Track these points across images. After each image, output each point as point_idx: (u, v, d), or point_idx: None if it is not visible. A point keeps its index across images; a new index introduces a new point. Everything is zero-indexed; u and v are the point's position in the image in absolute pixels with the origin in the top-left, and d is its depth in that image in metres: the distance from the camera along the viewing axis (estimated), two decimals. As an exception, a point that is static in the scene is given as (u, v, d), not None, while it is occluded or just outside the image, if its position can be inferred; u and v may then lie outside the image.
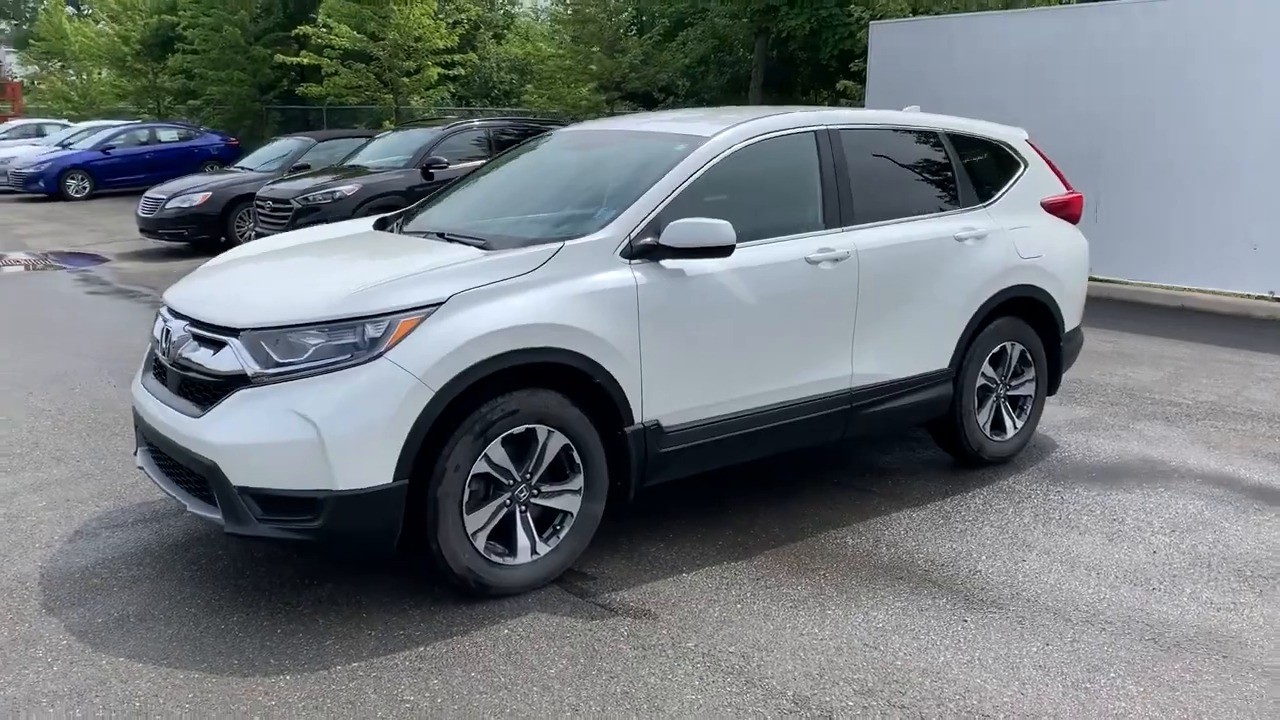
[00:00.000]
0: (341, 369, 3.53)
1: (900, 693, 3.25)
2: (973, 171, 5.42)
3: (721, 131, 4.56)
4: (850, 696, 3.23)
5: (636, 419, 4.07)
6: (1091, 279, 6.18)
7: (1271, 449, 5.77)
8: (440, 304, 3.65)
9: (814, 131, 4.81)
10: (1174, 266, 10.41)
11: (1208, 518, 4.76)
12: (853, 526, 4.62)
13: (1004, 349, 5.41)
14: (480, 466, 3.72)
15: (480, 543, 3.77)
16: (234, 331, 3.68)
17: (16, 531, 4.46)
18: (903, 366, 4.95)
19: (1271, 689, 3.30)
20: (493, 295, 3.75)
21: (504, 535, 3.86)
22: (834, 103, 17.20)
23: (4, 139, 27.37)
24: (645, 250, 4.08)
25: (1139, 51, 10.41)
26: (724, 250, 4.11)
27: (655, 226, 4.12)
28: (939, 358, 5.09)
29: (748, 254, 4.39)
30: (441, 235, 4.46)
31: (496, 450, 3.75)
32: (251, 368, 3.59)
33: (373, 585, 3.93)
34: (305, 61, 22.22)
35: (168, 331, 4.03)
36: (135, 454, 4.29)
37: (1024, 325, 5.49)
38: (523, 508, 3.89)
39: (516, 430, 3.78)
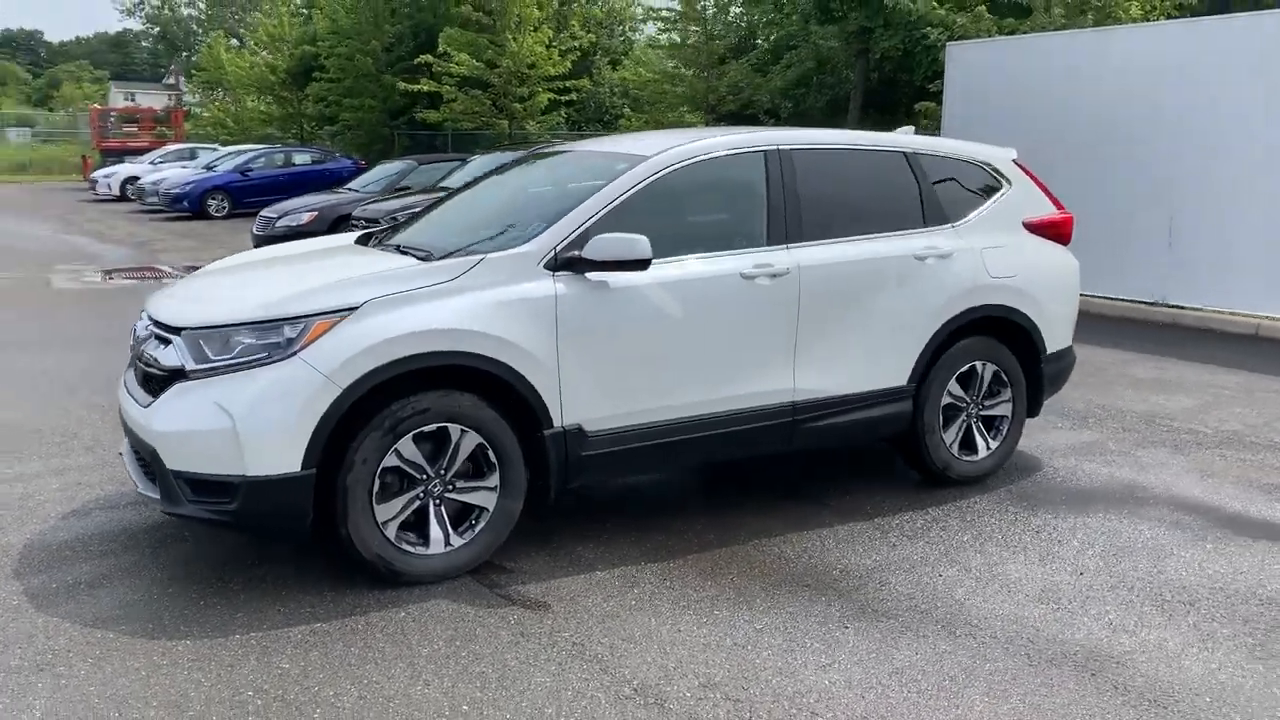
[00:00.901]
0: (260, 366, 3.88)
1: (742, 688, 3.37)
2: (943, 191, 5.44)
3: (662, 152, 4.75)
4: (691, 689, 3.36)
5: (556, 423, 4.29)
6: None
7: (1270, 479, 5.56)
8: (354, 308, 3.97)
9: (764, 151, 4.95)
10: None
11: (1157, 544, 4.65)
12: (787, 536, 4.71)
13: (974, 368, 5.40)
14: (391, 460, 4.00)
15: (391, 532, 4.05)
16: (177, 330, 4.08)
17: (24, 507, 4.98)
18: (852, 382, 5.01)
19: (1123, 708, 3.28)
20: (407, 301, 4.04)
21: (418, 526, 4.13)
22: (915, 124, 17.00)
23: (161, 162, 29.51)
24: (569, 263, 4.31)
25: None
26: (640, 264, 4.30)
27: (582, 240, 4.34)
28: (895, 374, 5.13)
29: (678, 268, 4.58)
30: (398, 248, 4.79)
31: (407, 446, 4.03)
32: (188, 363, 3.98)
33: (308, 568, 4.25)
34: (426, 89, 23.29)
35: (135, 330, 4.48)
36: (122, 445, 4.75)
37: (997, 345, 5.47)
38: (437, 501, 4.15)
39: (428, 428, 4.05)
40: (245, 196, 23.89)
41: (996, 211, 5.56)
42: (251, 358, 3.90)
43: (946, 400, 5.35)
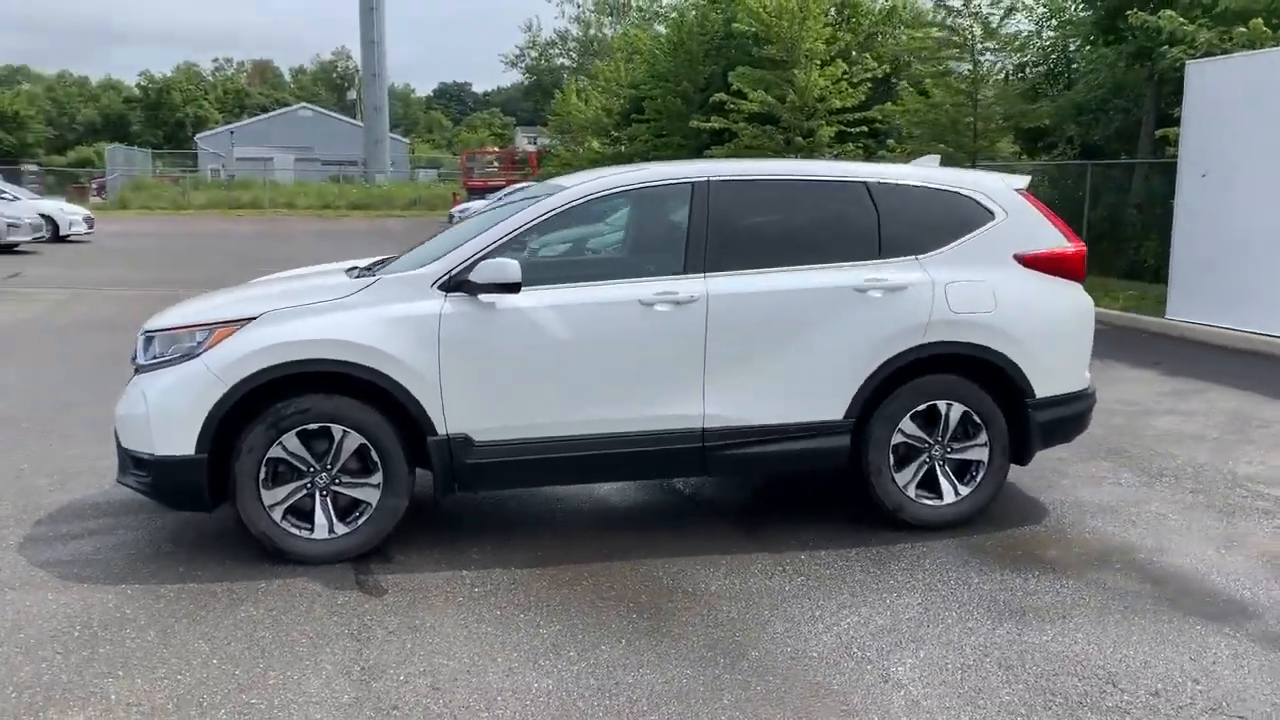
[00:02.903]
0: (175, 364, 4.63)
1: (453, 690, 3.59)
2: (911, 223, 5.22)
3: (582, 184, 5.03)
4: (416, 683, 3.64)
5: (440, 431, 4.69)
6: None
7: (1297, 557, 4.79)
8: (254, 319, 4.62)
9: (692, 184, 5.05)
10: None
11: (1032, 608, 4.25)
12: (674, 560, 4.76)
13: (935, 408, 5.13)
14: (276, 452, 4.59)
15: (277, 514, 4.63)
16: (146, 332, 4.94)
17: (48, 475, 6.02)
18: (774, 413, 4.97)
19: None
20: (298, 315, 4.64)
21: (306, 513, 4.69)
22: (1158, 150, 15.30)
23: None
24: (459, 285, 4.72)
25: None
26: (512, 287, 4.63)
27: (475, 265, 4.73)
28: (827, 408, 5.01)
29: (572, 293, 4.85)
30: (366, 270, 5.39)
31: (291, 440, 4.60)
32: (140, 359, 4.82)
33: (237, 543, 4.93)
34: (717, 125, 24.11)
35: (146, 333, 5.42)
36: None
37: (967, 385, 5.15)
38: (322, 492, 4.69)
39: (311, 426, 4.61)
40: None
41: (979, 244, 5.24)
42: (173, 357, 4.66)
43: (899, 439, 5.12)
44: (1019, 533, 5.15)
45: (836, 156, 22.82)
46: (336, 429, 4.64)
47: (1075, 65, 20.99)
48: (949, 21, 19.42)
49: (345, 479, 4.70)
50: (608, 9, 35.59)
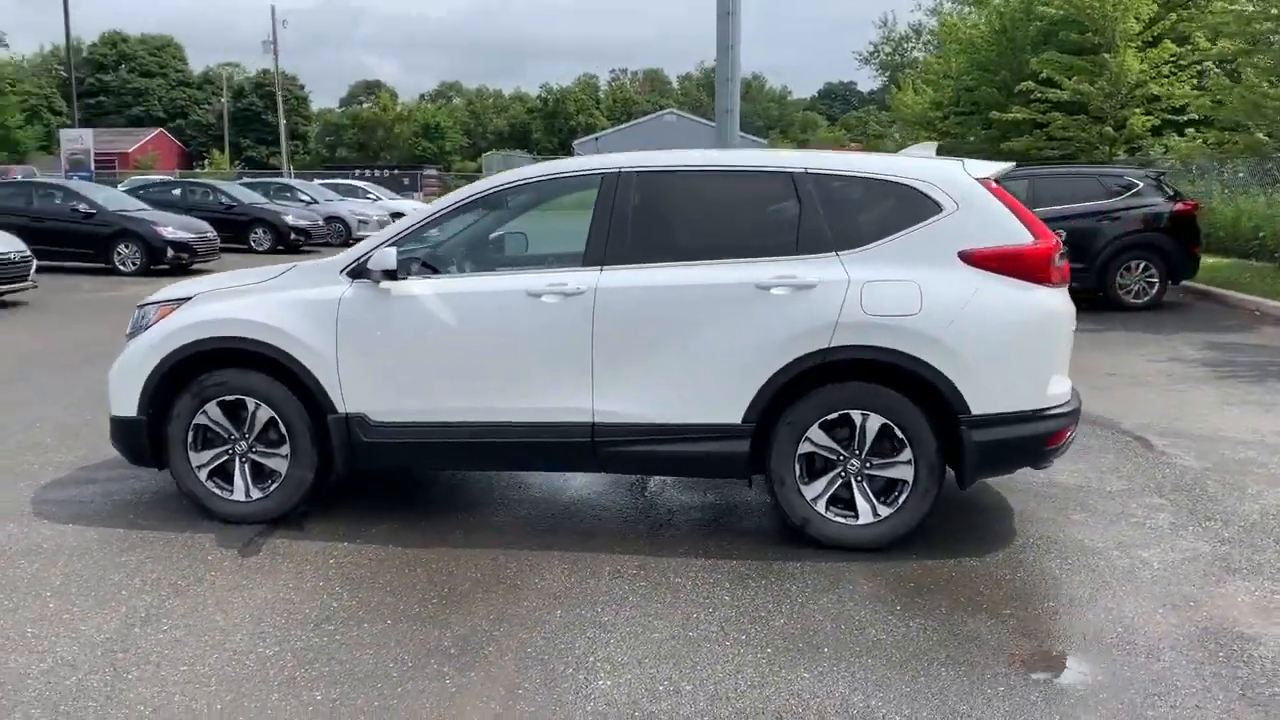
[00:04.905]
0: (135, 336, 5.27)
1: (191, 644, 3.87)
2: (838, 215, 4.77)
3: (495, 177, 5.10)
4: (157, 633, 3.96)
5: (339, 409, 4.98)
6: None
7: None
8: (187, 299, 5.16)
9: (602, 175, 4.96)
10: None
11: (868, 651, 3.78)
12: (539, 555, 4.71)
13: (848, 417, 4.69)
14: (200, 420, 5.09)
15: (203, 475, 5.12)
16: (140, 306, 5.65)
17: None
18: (666, 412, 4.77)
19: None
20: (220, 297, 5.13)
21: (229, 475, 5.16)
22: None
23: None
24: (360, 271, 4.98)
25: None
26: (390, 274, 4.82)
27: (378, 253, 4.98)
28: (723, 410, 4.73)
29: (466, 283, 4.97)
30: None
31: (213, 410, 5.08)
32: (128, 331, 5.53)
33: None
34: (1020, 117, 22.44)
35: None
36: None
37: (888, 395, 4.65)
38: (241, 459, 5.13)
39: (227, 398, 5.06)
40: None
41: (917, 240, 4.70)
42: (136, 330, 5.31)
43: (807, 448, 4.72)
44: (943, 566, 4.58)
45: (1165, 153, 20.46)
46: (250, 402, 5.06)
47: None
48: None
49: (260, 448, 5.11)
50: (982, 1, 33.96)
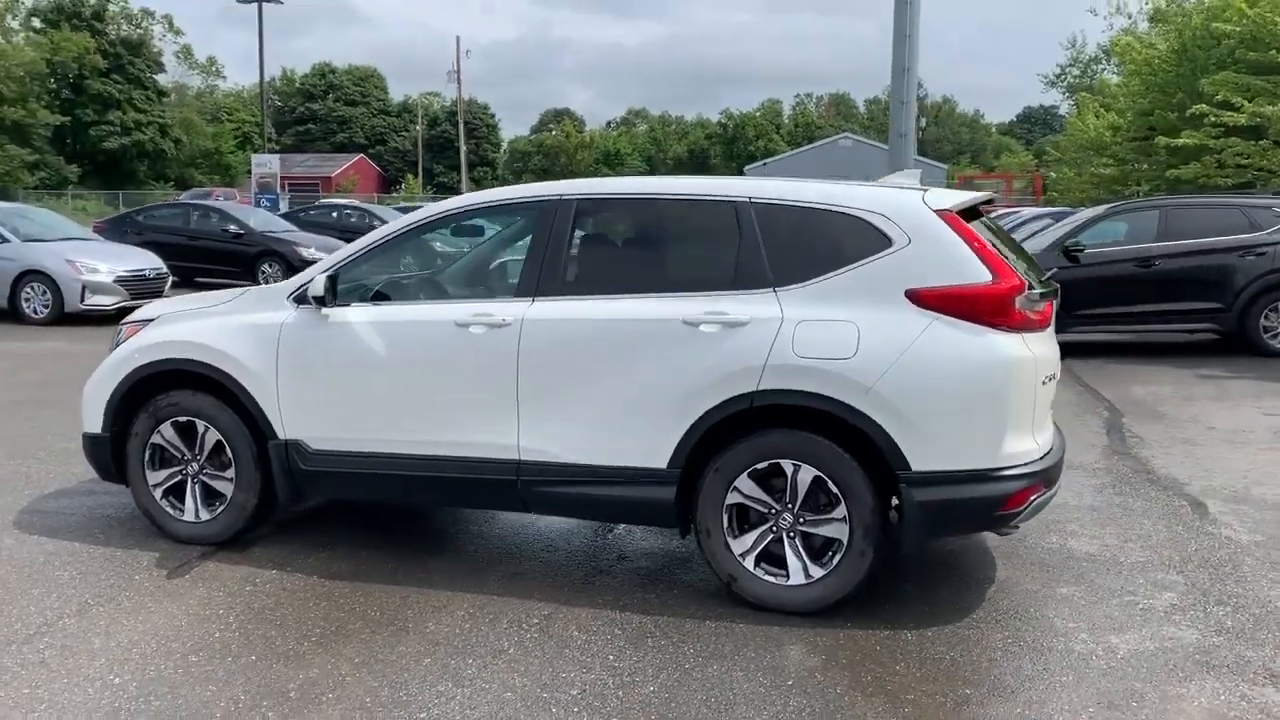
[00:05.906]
0: (111, 353, 5.40)
1: (56, 657, 3.88)
2: (782, 248, 4.40)
3: (441, 204, 4.98)
4: (49, 646, 3.98)
5: (280, 435, 4.95)
6: None
7: None
8: (150, 320, 5.26)
9: (541, 203, 4.76)
10: None
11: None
12: (456, 596, 4.53)
13: (778, 467, 4.31)
14: (156, 439, 5.16)
15: (158, 494, 5.19)
16: (121, 326, 5.81)
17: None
18: (589, 452, 4.51)
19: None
20: (177, 320, 5.21)
21: (183, 496, 5.20)
22: None
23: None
24: (302, 298, 4.95)
25: None
26: (319, 300, 4.76)
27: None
28: (648, 454, 4.42)
29: (395, 310, 4.90)
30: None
31: (167, 430, 5.13)
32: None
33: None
34: (1190, 142, 20.75)
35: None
36: None
37: (823, 444, 4.25)
38: (193, 480, 5.16)
39: (180, 419, 5.11)
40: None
41: (860, 276, 4.27)
42: (112, 347, 5.45)
43: (736, 499, 4.37)
44: (873, 637, 4.13)
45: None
46: (199, 424, 5.09)
47: None
48: None
49: (210, 470, 5.14)
50: (1161, 18, 32.26)
